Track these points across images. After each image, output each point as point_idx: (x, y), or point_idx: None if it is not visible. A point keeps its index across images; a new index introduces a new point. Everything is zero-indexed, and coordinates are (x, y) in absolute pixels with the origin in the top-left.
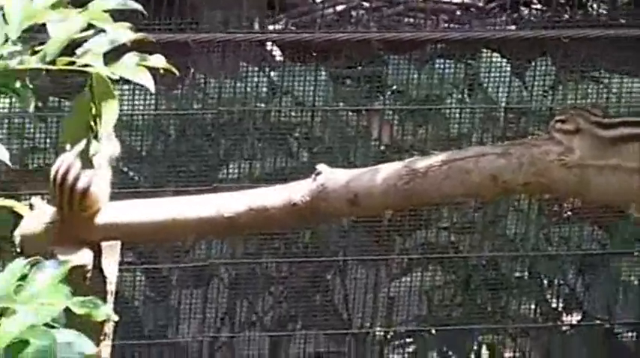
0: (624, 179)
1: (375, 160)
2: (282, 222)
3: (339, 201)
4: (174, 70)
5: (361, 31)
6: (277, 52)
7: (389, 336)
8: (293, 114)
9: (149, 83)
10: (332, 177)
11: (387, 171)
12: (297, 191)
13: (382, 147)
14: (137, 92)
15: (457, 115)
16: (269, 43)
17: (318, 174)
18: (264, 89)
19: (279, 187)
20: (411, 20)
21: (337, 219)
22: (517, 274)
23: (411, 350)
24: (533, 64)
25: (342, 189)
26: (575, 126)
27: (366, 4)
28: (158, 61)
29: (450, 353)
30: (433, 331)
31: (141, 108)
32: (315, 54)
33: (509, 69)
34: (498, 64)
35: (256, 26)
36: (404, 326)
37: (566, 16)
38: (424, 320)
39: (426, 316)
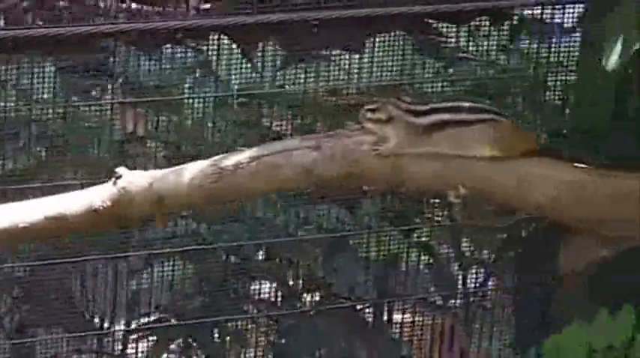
0: (440, 166)
1: (119, 152)
2: (82, 228)
3: (143, 204)
4: None
5: (87, 25)
6: None
7: (131, 329)
8: (23, 110)
9: None
10: (133, 179)
11: (192, 170)
12: (97, 196)
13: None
14: None
15: (191, 102)
16: None
17: (118, 177)
18: None
19: (78, 193)
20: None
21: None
22: (259, 258)
23: (152, 341)
24: (261, 46)
25: (146, 191)
26: (387, 115)
27: None
28: None
29: (194, 342)
30: (174, 321)
31: None
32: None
33: (238, 52)
34: (228, 49)
35: None
36: (146, 318)
37: None
38: (165, 310)
39: (167, 307)
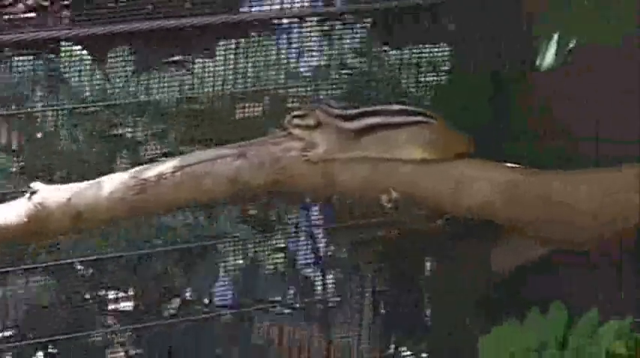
0: (370, 170)
1: None
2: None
3: (61, 219)
4: None
5: None
6: None
7: None
8: None
9: None
10: (50, 194)
11: (112, 183)
12: (11, 212)
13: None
14: None
15: (43, 114)
16: None
17: (34, 192)
18: None
19: None
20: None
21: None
22: (116, 269)
23: (12, 356)
24: (112, 54)
25: (64, 206)
26: (315, 121)
27: None
28: None
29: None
30: (32, 335)
31: None
32: None
33: (89, 60)
34: (79, 57)
35: None
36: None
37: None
38: (22, 326)
39: (24, 322)
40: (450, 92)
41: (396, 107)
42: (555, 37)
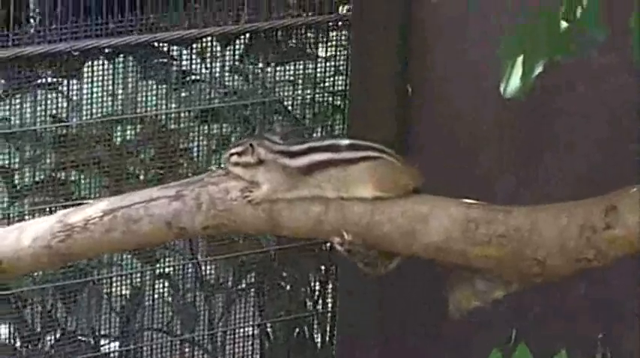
0: (320, 210)
1: None
2: None
3: None
4: None
5: None
6: None
7: None
8: None
9: None
10: None
11: (36, 228)
12: None
13: None
14: None
15: None
16: None
17: None
18: None
19: None
20: None
21: None
22: None
23: None
24: None
25: None
26: (256, 158)
27: None
28: None
29: None
30: None
31: None
32: None
33: None
34: None
35: None
36: None
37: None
38: None
39: None
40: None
41: (345, 141)
42: (519, 59)
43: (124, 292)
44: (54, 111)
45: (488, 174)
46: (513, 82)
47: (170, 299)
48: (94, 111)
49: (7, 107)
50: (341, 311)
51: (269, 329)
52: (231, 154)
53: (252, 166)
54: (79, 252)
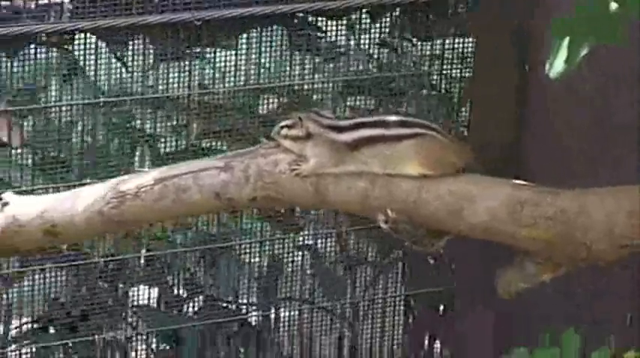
0: (366, 186)
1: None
2: None
3: (34, 233)
4: None
5: None
6: None
7: (9, 338)
8: None
9: None
10: (23, 206)
11: (89, 195)
12: None
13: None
14: None
15: (59, 105)
16: None
17: (5, 204)
18: None
19: None
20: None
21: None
22: (137, 263)
23: (31, 352)
24: (131, 45)
25: (37, 219)
26: (305, 132)
27: None
28: None
29: (74, 350)
30: (53, 330)
31: None
32: None
33: (107, 52)
34: (94, 48)
35: None
36: (23, 327)
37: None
38: (43, 320)
39: (45, 316)
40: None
41: (393, 118)
42: (566, 41)
43: (263, 261)
44: (201, 80)
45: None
46: (558, 63)
47: (311, 270)
48: (240, 80)
49: (157, 74)
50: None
51: (412, 303)
52: (282, 127)
53: (300, 140)
54: (130, 219)
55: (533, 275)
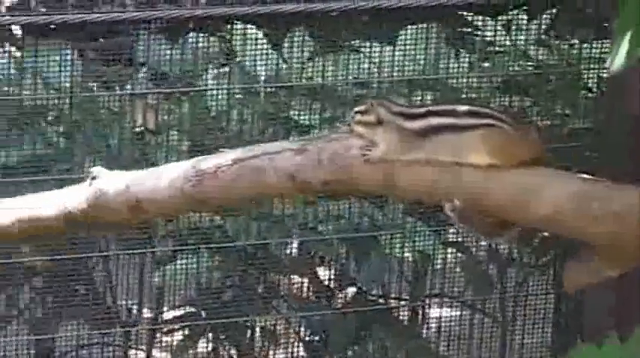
0: (434, 174)
1: (135, 145)
2: (57, 230)
3: (119, 208)
4: None
5: (116, 11)
6: (17, 30)
7: (159, 322)
8: (44, 97)
9: None
10: (110, 181)
11: (172, 172)
12: (72, 198)
13: (138, 130)
14: None
15: (215, 92)
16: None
17: (94, 178)
18: (11, 71)
19: (52, 194)
20: None
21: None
22: (287, 252)
23: (182, 335)
24: (289, 35)
25: (123, 194)
26: (376, 118)
27: None
28: None
29: (224, 336)
30: (204, 314)
31: None
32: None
33: (265, 41)
34: (254, 37)
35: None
36: (174, 311)
37: None
38: (195, 304)
39: (197, 300)
40: None
41: (464, 108)
42: (629, 34)
43: (410, 256)
44: (357, 73)
45: None
46: (620, 57)
47: (460, 267)
48: (396, 74)
49: (315, 66)
50: None
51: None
52: (355, 112)
53: (372, 125)
54: (209, 197)
55: (598, 271)
